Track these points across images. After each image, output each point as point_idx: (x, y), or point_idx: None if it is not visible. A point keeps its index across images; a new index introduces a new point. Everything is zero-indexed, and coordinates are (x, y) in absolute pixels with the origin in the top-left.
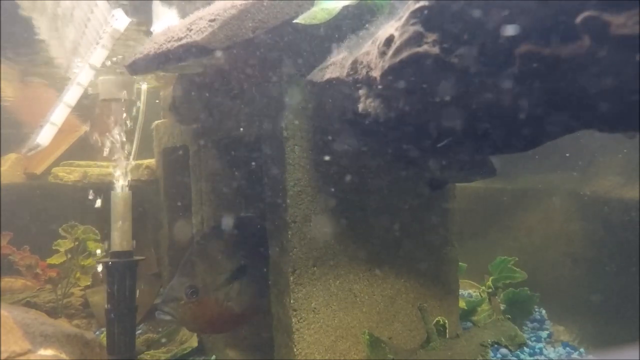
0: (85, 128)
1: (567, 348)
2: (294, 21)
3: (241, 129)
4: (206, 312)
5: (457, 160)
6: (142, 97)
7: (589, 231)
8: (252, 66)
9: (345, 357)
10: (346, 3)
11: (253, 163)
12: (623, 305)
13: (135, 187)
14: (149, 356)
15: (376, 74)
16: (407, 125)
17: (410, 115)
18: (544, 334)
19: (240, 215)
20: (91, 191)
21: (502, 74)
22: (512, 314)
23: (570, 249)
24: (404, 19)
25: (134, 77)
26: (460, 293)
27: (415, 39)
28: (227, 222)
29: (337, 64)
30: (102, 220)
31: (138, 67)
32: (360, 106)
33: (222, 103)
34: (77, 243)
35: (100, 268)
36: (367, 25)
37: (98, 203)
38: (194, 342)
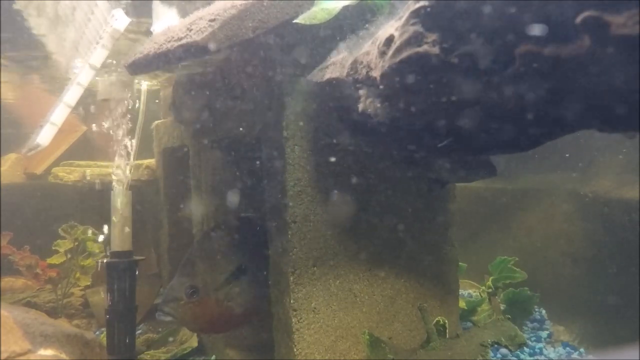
0: (84, 128)
1: (567, 348)
2: (294, 21)
3: (241, 129)
4: (206, 312)
5: (457, 161)
6: (142, 97)
7: (589, 231)
8: (252, 66)
9: (345, 357)
10: (346, 3)
11: (253, 163)
12: (623, 305)
13: (135, 187)
14: (149, 356)
15: (376, 74)
16: (407, 125)
17: (410, 115)
18: (544, 334)
19: (241, 215)
20: (98, 182)
21: (502, 74)
22: (512, 314)
23: (570, 249)
24: (404, 19)
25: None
26: (460, 293)
27: (416, 39)
28: (227, 222)
29: (337, 64)
30: (102, 220)
31: (138, 67)
32: (361, 106)
33: (222, 103)
34: (76, 243)
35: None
36: (367, 25)
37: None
38: (194, 342)
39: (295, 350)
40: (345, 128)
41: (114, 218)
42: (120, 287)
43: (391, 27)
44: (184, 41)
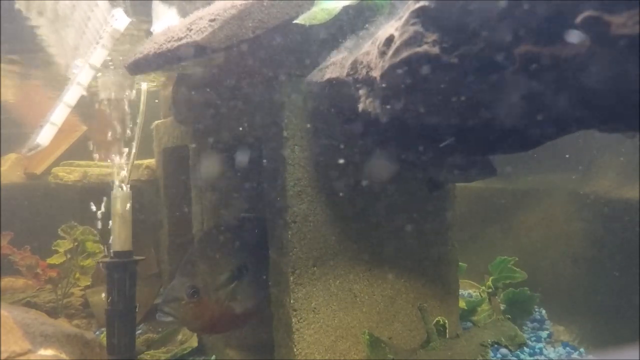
0: (84, 128)
1: (567, 348)
2: (294, 21)
3: (241, 129)
4: (207, 312)
5: (457, 161)
6: (142, 97)
7: (589, 231)
8: (252, 66)
9: (345, 357)
10: (346, 3)
11: (253, 163)
12: (623, 305)
13: (135, 187)
14: (149, 356)
15: (376, 74)
16: (407, 125)
17: (410, 115)
18: (544, 334)
19: (241, 215)
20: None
21: (502, 74)
22: (512, 314)
23: (570, 249)
24: (404, 19)
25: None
26: (460, 293)
27: (416, 39)
28: (228, 222)
29: (337, 64)
30: (102, 220)
31: (138, 67)
32: (361, 106)
33: (222, 103)
34: (76, 244)
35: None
36: (367, 25)
37: (101, 208)
38: (194, 342)
39: (295, 350)
40: (345, 128)
41: (114, 218)
42: (120, 287)
43: (391, 27)
44: (184, 41)
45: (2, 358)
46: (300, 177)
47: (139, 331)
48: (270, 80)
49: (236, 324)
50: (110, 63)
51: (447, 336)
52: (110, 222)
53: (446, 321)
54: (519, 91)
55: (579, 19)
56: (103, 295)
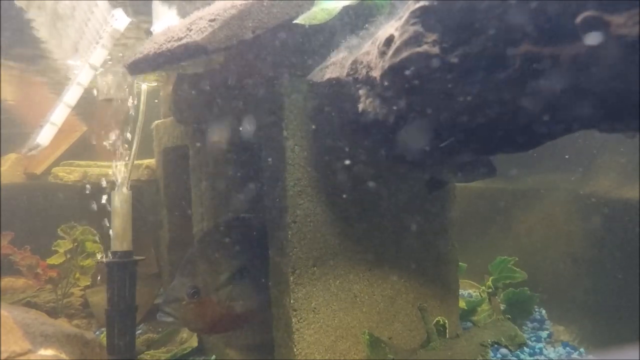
0: (84, 128)
1: (567, 348)
2: (294, 21)
3: (241, 129)
4: (208, 313)
5: (457, 161)
6: (142, 97)
7: (589, 231)
8: (252, 66)
9: (345, 357)
10: (346, 3)
11: (253, 163)
12: (623, 305)
13: (135, 187)
14: (149, 356)
15: (376, 74)
16: (407, 125)
17: (410, 115)
18: (544, 334)
19: (241, 215)
20: (88, 186)
21: (502, 74)
22: (512, 314)
23: (570, 249)
24: (404, 19)
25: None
26: (460, 293)
27: (415, 39)
28: (228, 222)
29: (337, 64)
30: (102, 220)
31: (138, 67)
32: (361, 106)
33: (222, 103)
34: (76, 244)
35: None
36: (367, 25)
37: (95, 206)
38: (194, 342)
39: (295, 350)
40: (345, 128)
41: (114, 218)
42: (120, 287)
43: (391, 27)
44: (184, 41)
45: (2, 358)
46: (300, 177)
47: (139, 331)
48: (271, 80)
49: (237, 324)
50: (109, 62)
51: (447, 336)
52: (110, 221)
53: (446, 321)
54: (518, 91)
55: (579, 19)
56: (103, 295)
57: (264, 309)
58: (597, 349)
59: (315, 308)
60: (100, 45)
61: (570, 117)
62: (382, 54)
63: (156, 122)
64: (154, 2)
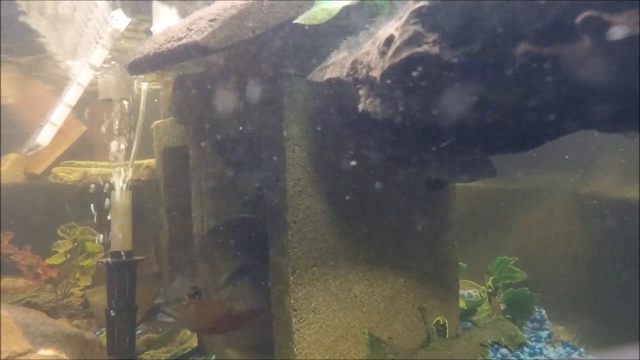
0: (84, 128)
1: (567, 348)
2: (294, 21)
3: (241, 129)
4: (208, 313)
5: (457, 161)
6: (142, 97)
7: (589, 231)
8: (252, 66)
9: (345, 357)
10: (346, 3)
11: (253, 163)
12: (623, 305)
13: (135, 187)
14: (149, 356)
15: (376, 74)
16: (407, 126)
17: (410, 115)
18: (544, 334)
19: (241, 215)
20: (92, 185)
21: (502, 74)
22: (512, 314)
23: (570, 249)
24: (404, 19)
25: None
26: (460, 293)
27: (415, 39)
28: (228, 222)
29: (337, 64)
30: (102, 220)
31: (138, 67)
32: (361, 106)
33: (222, 103)
34: (75, 244)
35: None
36: (367, 25)
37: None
38: (194, 342)
39: (295, 350)
40: (345, 128)
41: (114, 218)
42: (120, 287)
43: (391, 27)
44: (184, 41)
45: (2, 358)
46: (300, 177)
47: (139, 331)
48: (271, 80)
49: (237, 325)
50: (113, 62)
51: (447, 336)
52: (111, 222)
53: (446, 321)
54: (519, 91)
55: (579, 19)
56: (103, 295)
57: (264, 309)
58: (597, 349)
59: (315, 308)
60: (100, 46)
61: (570, 117)
62: (382, 54)
63: (156, 122)
64: (154, 2)
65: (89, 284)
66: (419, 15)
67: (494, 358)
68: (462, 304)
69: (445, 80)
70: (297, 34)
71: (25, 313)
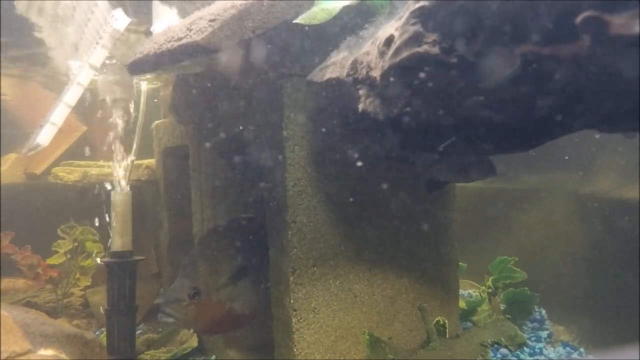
0: (84, 128)
1: (567, 348)
2: (294, 21)
3: (241, 129)
4: (208, 313)
5: (457, 161)
6: (142, 97)
7: (589, 231)
8: (252, 66)
9: (345, 357)
10: (346, 3)
11: (253, 163)
12: (623, 305)
13: (135, 187)
14: (149, 356)
15: (376, 74)
16: (407, 126)
17: (410, 115)
18: (544, 334)
19: (241, 215)
20: (97, 186)
21: (501, 74)
22: (512, 314)
23: (570, 249)
24: (404, 19)
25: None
26: (460, 293)
27: (415, 39)
28: (228, 222)
29: (337, 64)
30: (102, 220)
31: (138, 67)
32: (361, 106)
33: (222, 103)
34: (76, 244)
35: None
36: (367, 25)
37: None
38: (194, 342)
39: (295, 350)
40: (345, 128)
41: (114, 218)
42: (120, 287)
43: (391, 27)
44: (184, 41)
45: (2, 358)
46: (300, 177)
47: (139, 331)
48: (270, 80)
49: (237, 325)
50: (114, 61)
51: (447, 336)
52: (110, 222)
53: (446, 321)
54: (519, 91)
55: (579, 19)
56: (103, 295)
57: (264, 309)
58: (597, 349)
59: (315, 308)
60: (100, 46)
61: (570, 117)
62: (382, 54)
63: (156, 122)
64: (154, 2)
65: (89, 284)
66: (419, 15)
67: (494, 358)
68: (462, 304)
69: (445, 81)
70: (297, 34)
71: (25, 313)
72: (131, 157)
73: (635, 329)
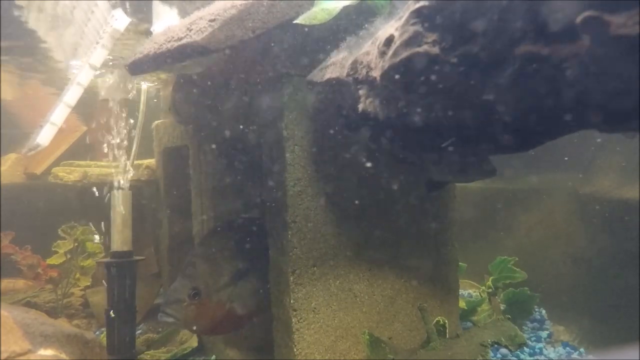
0: (84, 128)
1: (567, 348)
2: (294, 21)
3: (241, 129)
4: (209, 314)
5: (457, 161)
6: (142, 97)
7: (589, 231)
8: (252, 66)
9: (345, 357)
10: (346, 3)
11: (253, 163)
12: (623, 305)
13: (135, 187)
14: (149, 356)
15: (376, 74)
16: (407, 126)
17: (410, 115)
18: (544, 334)
19: (241, 215)
20: (95, 189)
21: (501, 74)
22: (512, 314)
23: (570, 249)
24: (404, 19)
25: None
26: (460, 293)
27: (415, 39)
28: (228, 222)
29: (337, 64)
30: (102, 220)
31: (138, 67)
32: (360, 106)
33: (222, 103)
34: (76, 244)
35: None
36: (367, 25)
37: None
38: (194, 342)
39: (295, 350)
40: (345, 128)
41: (114, 218)
42: (120, 287)
43: (391, 27)
44: (184, 41)
45: (2, 358)
46: (300, 177)
47: (139, 331)
48: (271, 80)
49: (237, 325)
50: (111, 62)
51: (447, 336)
52: (110, 222)
53: (446, 321)
54: (519, 91)
55: (579, 19)
56: (103, 295)
57: (264, 309)
58: (597, 349)
59: (315, 308)
60: (100, 46)
61: (571, 117)
62: (382, 54)
63: (156, 122)
64: (154, 2)
65: (89, 284)
66: (419, 15)
67: (494, 358)
68: (462, 304)
69: (445, 80)
70: (297, 34)
71: (25, 313)
72: (131, 157)
73: (635, 329)
